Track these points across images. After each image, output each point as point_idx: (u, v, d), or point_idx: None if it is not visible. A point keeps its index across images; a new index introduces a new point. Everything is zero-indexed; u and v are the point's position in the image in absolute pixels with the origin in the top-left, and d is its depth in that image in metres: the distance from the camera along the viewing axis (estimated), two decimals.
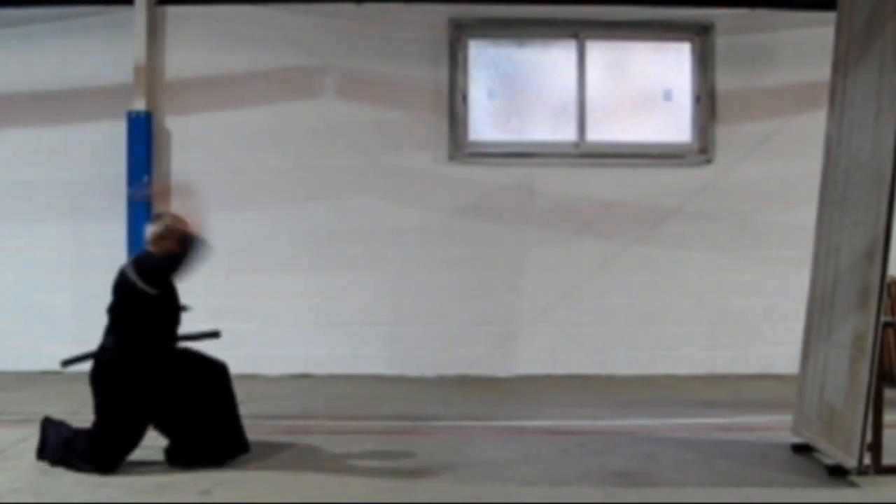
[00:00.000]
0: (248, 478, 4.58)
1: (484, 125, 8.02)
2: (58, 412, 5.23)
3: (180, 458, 4.73)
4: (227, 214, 7.81)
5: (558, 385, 7.46)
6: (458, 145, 7.90)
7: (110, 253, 7.51)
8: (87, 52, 7.80)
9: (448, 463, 4.89)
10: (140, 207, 7.61)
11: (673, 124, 8.06)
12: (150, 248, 4.87)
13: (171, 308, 4.90)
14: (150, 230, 4.89)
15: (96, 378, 4.72)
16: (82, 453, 4.61)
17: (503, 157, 7.92)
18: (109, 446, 4.60)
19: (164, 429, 4.80)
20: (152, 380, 4.67)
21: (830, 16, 5.37)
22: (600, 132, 7.97)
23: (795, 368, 5.29)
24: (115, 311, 4.81)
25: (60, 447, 4.68)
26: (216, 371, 4.90)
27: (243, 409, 4.82)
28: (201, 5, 7.83)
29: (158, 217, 5.03)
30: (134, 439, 4.69)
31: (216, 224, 7.83)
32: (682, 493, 4.37)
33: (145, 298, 4.70)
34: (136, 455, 4.73)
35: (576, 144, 7.96)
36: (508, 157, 7.92)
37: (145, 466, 4.69)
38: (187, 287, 8.20)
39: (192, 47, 7.83)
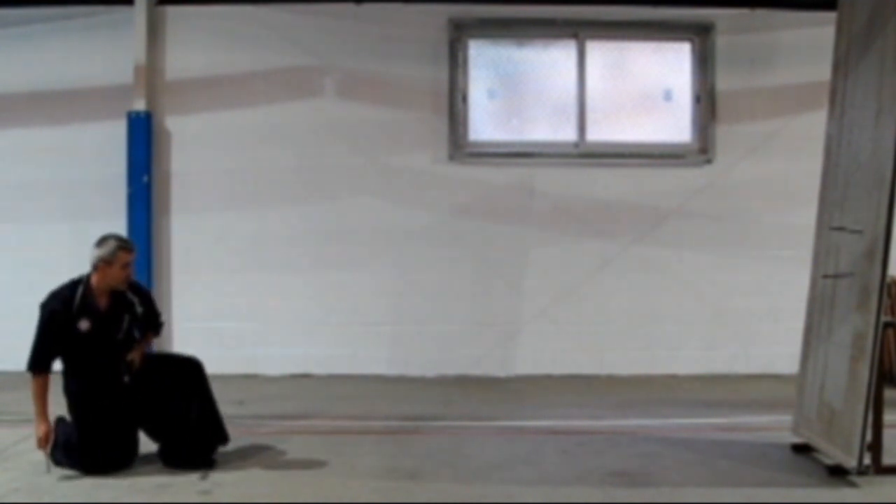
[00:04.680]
0: (248, 478, 4.58)
1: (484, 125, 8.01)
2: (57, 412, 5.21)
3: (171, 459, 4.73)
4: (228, 214, 7.83)
5: (558, 385, 7.45)
6: (458, 145, 7.90)
7: None
8: (87, 52, 7.79)
9: (448, 463, 4.89)
10: (140, 207, 7.63)
11: (673, 124, 8.05)
12: (92, 276, 4.65)
13: (98, 342, 4.71)
14: (95, 253, 4.63)
15: None
16: (72, 454, 4.61)
17: (503, 157, 7.92)
18: (84, 448, 4.59)
19: (149, 432, 4.81)
20: (88, 397, 4.65)
21: (830, 16, 5.37)
22: (600, 132, 7.96)
23: (795, 368, 5.29)
24: None
25: (61, 447, 4.68)
26: (190, 368, 4.84)
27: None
28: (201, 5, 7.82)
29: (104, 240, 4.67)
30: (105, 442, 4.62)
31: (216, 224, 7.94)
32: (682, 493, 4.37)
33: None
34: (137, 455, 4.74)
35: (576, 144, 7.96)
36: (508, 157, 7.92)
37: (145, 466, 4.69)
38: (188, 287, 8.16)
39: (192, 47, 7.83)
